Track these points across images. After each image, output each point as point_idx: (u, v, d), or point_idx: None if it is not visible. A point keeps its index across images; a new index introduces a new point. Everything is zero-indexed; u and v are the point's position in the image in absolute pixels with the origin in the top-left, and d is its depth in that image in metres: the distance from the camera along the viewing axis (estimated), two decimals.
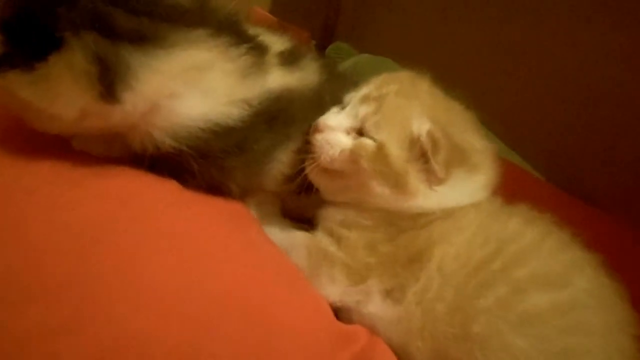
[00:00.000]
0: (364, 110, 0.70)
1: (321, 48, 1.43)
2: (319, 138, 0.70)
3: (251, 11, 0.74)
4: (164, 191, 0.64)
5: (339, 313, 0.67)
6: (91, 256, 0.51)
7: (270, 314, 0.57)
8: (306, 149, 0.72)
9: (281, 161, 0.73)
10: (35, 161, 0.61)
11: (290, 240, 0.72)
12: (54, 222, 0.53)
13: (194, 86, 0.62)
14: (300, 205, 0.78)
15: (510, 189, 0.72)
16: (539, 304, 0.60)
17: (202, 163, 0.65)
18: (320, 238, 0.70)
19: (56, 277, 0.49)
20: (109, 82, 0.55)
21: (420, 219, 0.68)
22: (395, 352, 0.64)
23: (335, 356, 0.58)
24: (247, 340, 0.53)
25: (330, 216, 0.71)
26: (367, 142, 0.67)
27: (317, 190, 0.73)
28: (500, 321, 0.60)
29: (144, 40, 0.57)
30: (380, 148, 0.67)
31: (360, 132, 0.69)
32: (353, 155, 0.68)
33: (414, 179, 0.67)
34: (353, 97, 0.73)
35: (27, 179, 0.58)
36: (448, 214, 0.68)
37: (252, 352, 0.52)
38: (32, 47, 0.54)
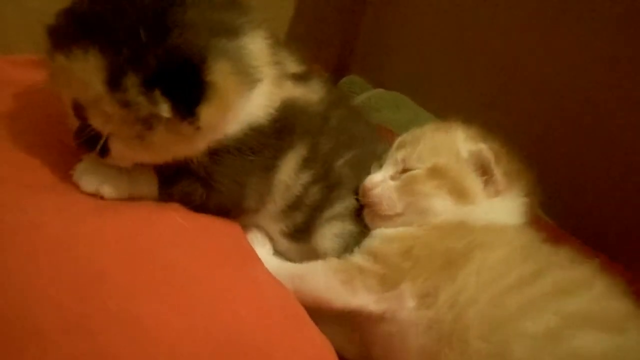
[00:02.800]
0: (402, 154, 0.76)
1: (334, 81, 1.42)
2: (371, 194, 0.75)
3: (279, 52, 0.75)
4: (165, 229, 0.63)
5: (377, 326, 0.69)
6: (93, 296, 0.51)
7: (268, 352, 0.57)
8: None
9: (282, 170, 0.74)
10: (40, 195, 0.62)
11: (308, 269, 0.73)
12: (58, 259, 0.53)
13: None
14: (291, 250, 0.80)
15: None
16: (590, 346, 0.59)
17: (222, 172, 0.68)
18: (354, 258, 0.72)
19: (59, 317, 0.49)
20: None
21: (466, 227, 0.71)
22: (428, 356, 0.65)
23: None
24: None
25: (375, 237, 0.74)
26: (415, 172, 0.74)
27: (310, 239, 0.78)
28: (547, 352, 0.59)
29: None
30: (432, 169, 0.73)
31: (404, 172, 0.75)
32: (405, 187, 0.73)
33: (474, 185, 0.73)
34: (388, 153, 0.79)
35: (33, 214, 0.58)
36: (490, 228, 0.72)
37: None
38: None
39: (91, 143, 0.61)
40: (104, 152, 0.62)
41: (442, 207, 0.73)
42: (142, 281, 0.55)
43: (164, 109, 0.57)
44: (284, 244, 0.80)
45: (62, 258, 0.54)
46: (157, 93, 0.57)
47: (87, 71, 0.56)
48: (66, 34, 0.58)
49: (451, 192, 0.72)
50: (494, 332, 0.62)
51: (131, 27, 0.56)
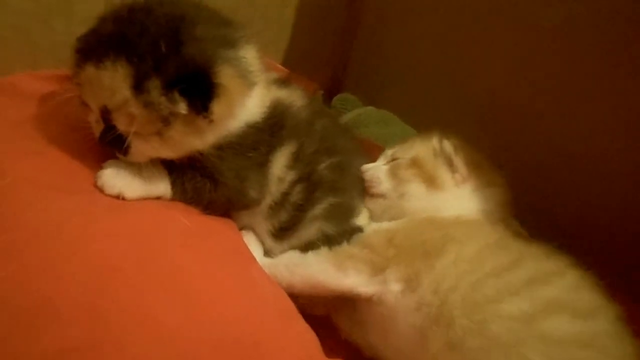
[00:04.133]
0: (392, 150, 0.92)
1: (329, 98, 1.48)
2: (365, 175, 0.90)
3: (264, 63, 0.83)
4: (171, 228, 0.70)
5: (370, 308, 0.77)
6: (106, 288, 0.57)
7: (262, 347, 0.63)
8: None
9: (275, 165, 0.83)
10: (61, 196, 0.68)
11: (307, 258, 0.81)
12: (76, 255, 0.59)
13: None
14: (276, 249, 0.87)
15: None
16: (560, 328, 0.65)
17: (227, 166, 0.77)
18: (344, 247, 0.81)
19: (76, 306, 0.55)
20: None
21: (439, 221, 0.81)
22: (418, 339, 0.71)
23: None
24: None
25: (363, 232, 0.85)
26: (400, 160, 0.89)
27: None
28: (522, 332, 0.65)
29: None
30: (413, 159, 0.87)
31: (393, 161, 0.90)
32: (391, 171, 0.88)
33: (442, 173, 0.85)
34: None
35: (54, 213, 0.64)
36: (461, 222, 0.81)
37: None
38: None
39: (115, 143, 0.70)
40: (126, 150, 0.71)
41: (417, 191, 0.85)
42: (150, 276, 0.61)
43: (182, 107, 0.67)
44: (270, 243, 0.86)
45: (80, 254, 0.60)
46: (176, 94, 0.67)
47: (115, 79, 0.66)
48: (95, 49, 0.67)
49: (425, 180, 0.85)
50: (475, 312, 0.68)
51: (152, 41, 0.66)
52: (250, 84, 0.76)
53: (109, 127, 0.70)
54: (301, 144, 0.84)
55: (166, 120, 0.68)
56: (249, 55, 0.76)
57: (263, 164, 0.81)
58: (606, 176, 1.09)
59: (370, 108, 1.39)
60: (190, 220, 0.73)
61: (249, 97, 0.77)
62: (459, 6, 1.29)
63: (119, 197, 0.71)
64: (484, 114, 1.29)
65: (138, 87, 0.66)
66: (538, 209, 1.10)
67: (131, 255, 0.62)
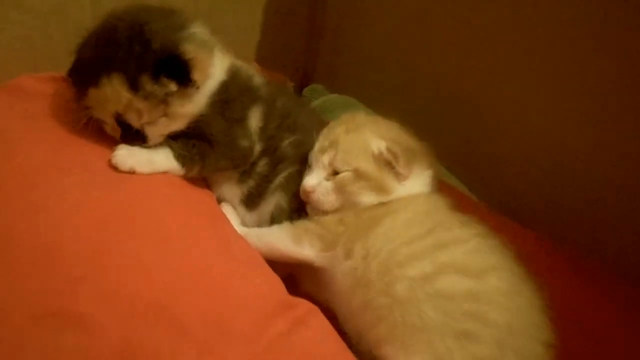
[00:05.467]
0: (327, 158, 0.89)
1: (300, 89, 1.62)
2: (314, 197, 0.89)
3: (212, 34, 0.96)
4: (158, 196, 0.83)
5: (322, 272, 0.86)
6: (102, 236, 0.71)
7: (229, 284, 0.74)
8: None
9: (251, 119, 0.97)
10: (65, 173, 0.79)
11: (272, 230, 0.90)
12: (79, 215, 0.72)
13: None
14: (246, 218, 1.00)
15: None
16: (453, 286, 0.73)
17: (216, 127, 0.91)
18: (303, 222, 0.89)
19: (79, 249, 0.68)
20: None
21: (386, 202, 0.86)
22: (347, 297, 0.81)
23: (277, 318, 0.73)
24: (209, 305, 0.70)
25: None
26: (344, 174, 0.88)
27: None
28: (420, 290, 0.73)
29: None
30: (356, 172, 0.87)
31: (335, 173, 0.89)
32: (339, 189, 0.88)
33: (389, 179, 0.87)
34: (313, 156, 0.93)
35: (59, 186, 0.76)
36: (403, 197, 0.87)
37: (208, 310, 0.69)
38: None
39: (135, 138, 0.87)
40: (144, 139, 0.87)
41: (369, 201, 0.87)
42: (138, 227, 0.74)
43: (173, 86, 0.84)
44: (241, 211, 0.98)
45: (81, 213, 0.72)
46: (164, 79, 0.83)
47: (115, 89, 0.82)
48: (88, 76, 0.83)
49: (373, 189, 0.87)
50: (386, 275, 0.76)
51: (127, 49, 0.82)
52: (209, 49, 0.91)
53: (125, 128, 0.86)
54: (266, 115, 0.98)
55: (165, 102, 0.84)
56: (197, 29, 0.91)
57: (242, 120, 0.95)
58: (563, 162, 1.16)
59: (334, 95, 1.52)
60: (172, 190, 0.86)
61: (214, 58, 0.92)
62: (417, 1, 1.40)
63: (130, 172, 0.84)
64: (432, 98, 1.40)
65: (134, 87, 0.82)
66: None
67: (122, 212, 0.75)
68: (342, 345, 0.77)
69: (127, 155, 0.85)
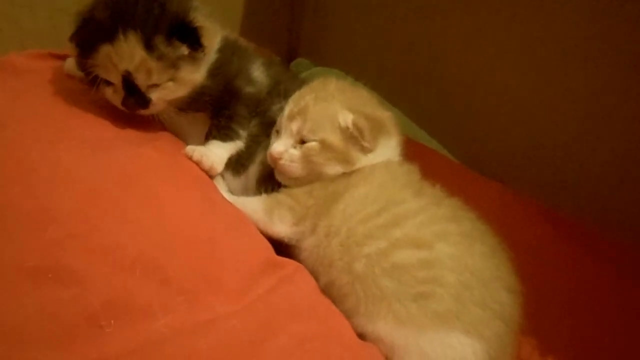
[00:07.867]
0: (295, 126, 0.88)
1: (286, 63, 1.64)
2: (280, 163, 0.88)
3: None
4: (146, 160, 0.85)
5: (291, 250, 0.88)
6: (92, 197, 0.73)
7: (216, 242, 0.76)
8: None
9: (252, 70, 1.03)
10: (56, 144, 0.80)
11: (248, 200, 0.92)
12: (70, 178, 0.75)
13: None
14: (234, 184, 1.02)
15: (427, 170, 0.92)
16: (406, 259, 0.77)
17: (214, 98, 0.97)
18: (276, 194, 0.90)
19: (70, 210, 0.70)
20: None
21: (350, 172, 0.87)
22: (314, 276, 0.83)
23: (265, 276, 0.77)
24: (195, 260, 0.72)
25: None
26: (311, 144, 0.87)
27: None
28: (376, 266, 0.77)
29: None
30: (323, 143, 0.86)
31: (302, 141, 0.88)
32: (306, 158, 0.87)
33: (354, 152, 0.87)
34: (282, 122, 0.91)
35: (50, 154, 0.78)
36: (363, 168, 0.87)
37: (196, 265, 0.72)
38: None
39: (136, 103, 0.89)
40: (147, 104, 0.89)
41: (333, 171, 0.87)
42: (126, 188, 0.77)
43: (184, 49, 0.88)
44: (229, 178, 1.00)
45: (72, 176, 0.75)
46: (176, 41, 0.87)
47: (130, 46, 0.84)
48: (102, 32, 0.84)
49: (339, 160, 0.87)
50: (346, 255, 0.79)
51: (146, 10, 0.85)
52: (213, 21, 0.95)
53: (130, 90, 0.87)
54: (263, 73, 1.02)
55: (175, 65, 0.88)
56: (198, 3, 0.95)
57: (241, 72, 1.00)
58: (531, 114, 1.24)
59: (319, 68, 1.56)
60: (160, 155, 0.88)
61: (216, 30, 0.96)
62: None
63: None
64: (408, 62, 1.45)
65: (148, 46, 0.85)
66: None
67: (112, 175, 0.78)
68: (326, 300, 0.81)
69: (205, 155, 0.93)
